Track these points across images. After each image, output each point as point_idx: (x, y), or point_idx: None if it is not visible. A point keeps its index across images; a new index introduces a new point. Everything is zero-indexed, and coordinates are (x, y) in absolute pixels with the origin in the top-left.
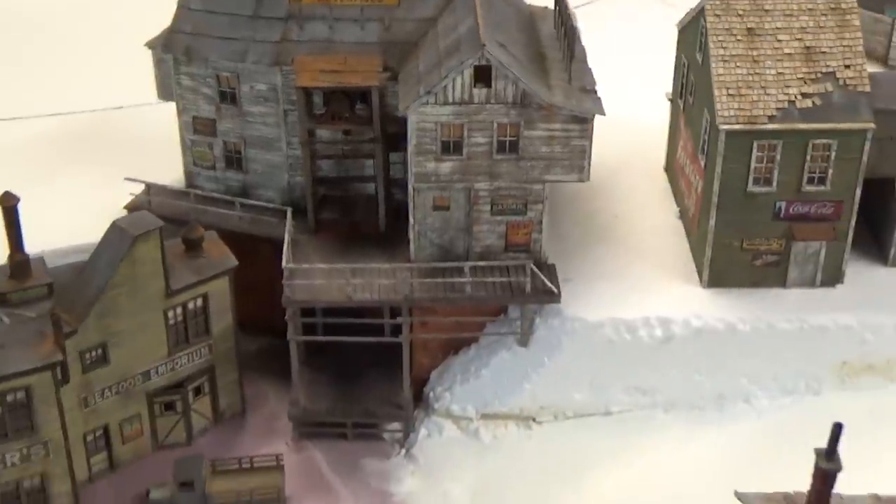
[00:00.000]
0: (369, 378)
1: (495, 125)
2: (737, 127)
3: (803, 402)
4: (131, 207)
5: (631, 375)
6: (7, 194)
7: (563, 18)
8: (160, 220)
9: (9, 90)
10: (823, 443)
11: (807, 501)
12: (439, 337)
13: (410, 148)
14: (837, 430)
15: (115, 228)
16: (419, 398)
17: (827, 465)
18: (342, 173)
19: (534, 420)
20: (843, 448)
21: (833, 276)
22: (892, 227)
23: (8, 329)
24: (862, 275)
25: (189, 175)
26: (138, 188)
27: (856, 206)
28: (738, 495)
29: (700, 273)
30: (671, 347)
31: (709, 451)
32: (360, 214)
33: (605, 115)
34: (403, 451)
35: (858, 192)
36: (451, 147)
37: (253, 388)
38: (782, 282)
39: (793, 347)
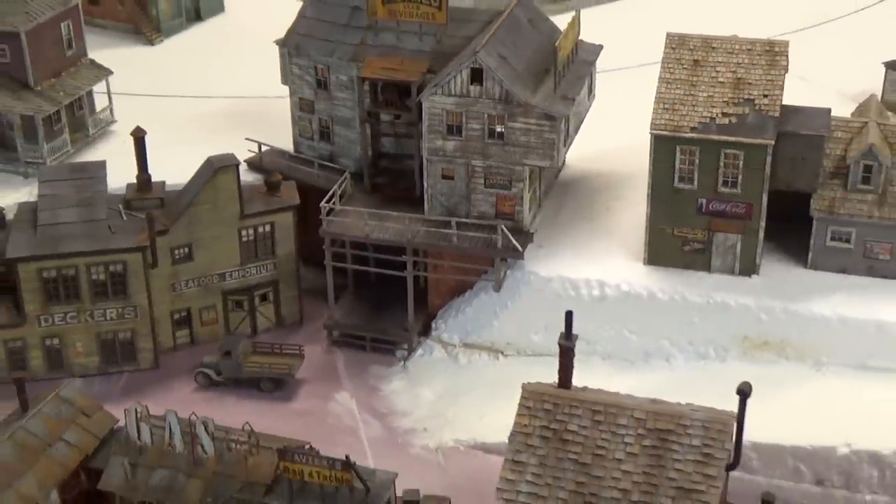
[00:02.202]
0: (395, 308)
1: (486, 115)
2: (663, 133)
3: (712, 367)
4: (248, 161)
5: (576, 326)
6: (137, 128)
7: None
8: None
9: (203, 77)
10: (722, 398)
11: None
12: (446, 279)
13: (424, 127)
14: (569, 317)
15: (207, 162)
16: (429, 328)
17: (564, 343)
18: (398, 150)
19: (501, 353)
20: (732, 401)
21: (749, 268)
22: (799, 235)
23: (124, 223)
24: (780, 271)
25: (296, 142)
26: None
27: (764, 209)
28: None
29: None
30: (606, 306)
31: (628, 390)
32: (404, 182)
33: (568, 115)
34: (402, 363)
35: (765, 197)
36: (454, 129)
37: (315, 307)
38: (707, 267)
39: (703, 319)
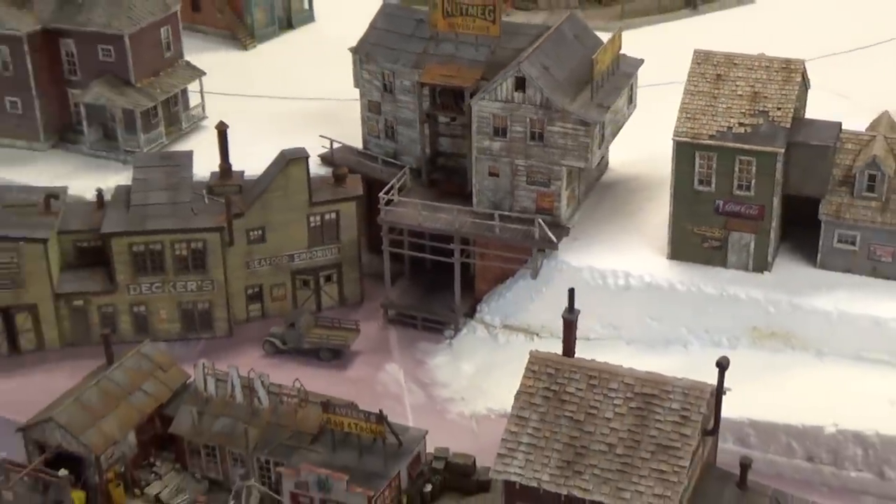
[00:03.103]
0: (446, 292)
1: (528, 119)
2: (684, 139)
3: (725, 353)
4: (321, 156)
5: (604, 312)
6: (220, 123)
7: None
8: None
9: (289, 80)
10: (732, 382)
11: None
12: (491, 266)
13: (473, 129)
14: (571, 293)
15: (280, 154)
16: (475, 310)
17: (567, 316)
18: (454, 149)
19: (537, 335)
20: (739, 385)
21: (761, 265)
22: (814, 237)
23: (206, 206)
24: (791, 269)
25: (365, 140)
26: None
27: (776, 212)
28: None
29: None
30: (630, 295)
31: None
32: (459, 178)
33: (602, 122)
34: (448, 341)
35: (776, 200)
36: (500, 131)
37: (376, 289)
38: (724, 263)
39: (717, 310)
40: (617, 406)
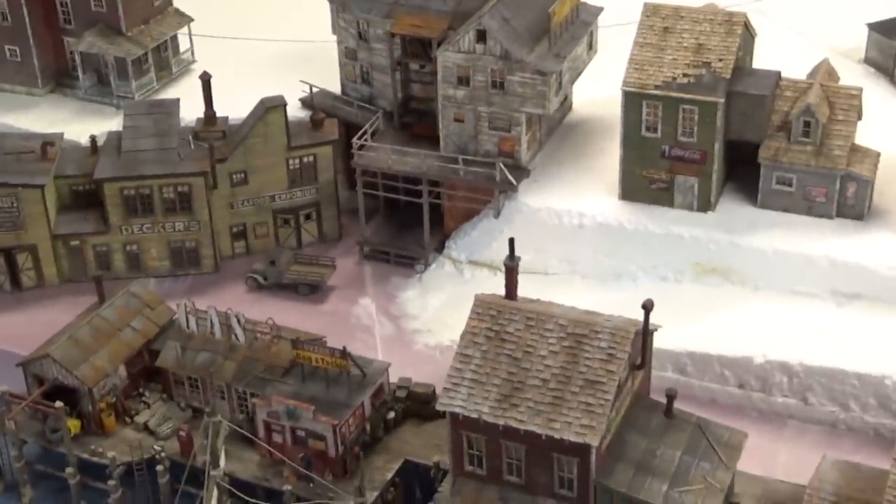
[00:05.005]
0: (418, 229)
1: (489, 69)
2: (632, 89)
3: (670, 287)
4: (302, 100)
5: (560, 249)
6: (204, 73)
7: None
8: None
9: (265, 20)
10: (677, 312)
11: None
12: (458, 206)
13: (439, 78)
14: (511, 242)
15: (260, 102)
16: (444, 247)
17: (508, 263)
18: (425, 95)
19: (499, 270)
20: (680, 317)
21: (705, 205)
22: (758, 178)
23: (191, 151)
24: (733, 209)
25: (342, 84)
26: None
27: (717, 156)
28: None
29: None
30: (584, 233)
31: (598, 303)
32: (429, 121)
33: (558, 71)
34: (419, 276)
35: (717, 146)
36: (463, 81)
37: (355, 225)
38: (671, 203)
39: (663, 247)
40: (551, 345)
